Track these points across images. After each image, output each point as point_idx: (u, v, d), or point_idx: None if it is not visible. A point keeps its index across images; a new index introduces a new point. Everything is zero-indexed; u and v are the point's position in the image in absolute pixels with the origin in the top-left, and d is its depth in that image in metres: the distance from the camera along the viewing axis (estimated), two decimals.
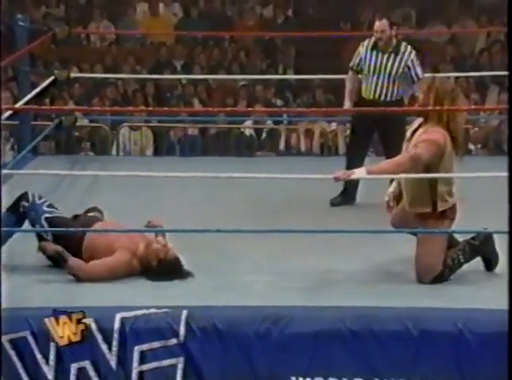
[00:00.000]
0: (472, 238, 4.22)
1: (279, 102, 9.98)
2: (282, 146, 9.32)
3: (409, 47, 5.62)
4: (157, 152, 9.33)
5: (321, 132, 9.38)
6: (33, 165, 6.31)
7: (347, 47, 11.28)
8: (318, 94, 10.01)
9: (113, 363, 3.72)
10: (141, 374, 3.73)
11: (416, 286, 4.11)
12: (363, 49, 5.64)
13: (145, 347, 3.71)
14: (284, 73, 10.68)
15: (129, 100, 9.99)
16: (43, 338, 3.69)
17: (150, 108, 9.74)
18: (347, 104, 5.67)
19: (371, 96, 5.56)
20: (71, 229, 4.36)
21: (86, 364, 3.72)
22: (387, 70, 5.55)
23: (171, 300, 3.86)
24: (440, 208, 4.07)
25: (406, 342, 3.68)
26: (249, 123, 9.39)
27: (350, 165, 5.18)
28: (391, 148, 5.17)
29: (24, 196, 4.51)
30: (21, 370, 3.72)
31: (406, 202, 4.19)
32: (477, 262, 4.29)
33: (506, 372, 3.63)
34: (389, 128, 5.42)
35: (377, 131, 5.61)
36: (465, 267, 4.26)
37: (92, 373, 3.73)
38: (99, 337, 3.71)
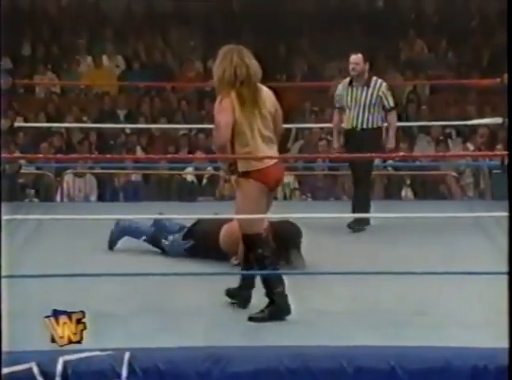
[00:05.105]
0: None
1: None
2: (221, 191, 9.30)
3: (379, 80, 6.08)
4: (101, 198, 9.25)
5: None
6: None
7: (282, 96, 11.42)
8: None
9: None
10: None
11: (349, 326, 4.09)
12: (341, 87, 6.10)
13: None
14: None
15: (74, 148, 9.92)
16: None
17: (94, 156, 9.65)
18: (335, 145, 6.18)
19: (350, 126, 6.00)
20: None
21: None
22: (362, 102, 5.99)
23: (115, 342, 3.78)
24: (242, 169, 4.14)
25: (341, 379, 3.66)
26: (190, 169, 9.37)
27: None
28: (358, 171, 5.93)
29: None
30: None
31: None
32: (408, 304, 4.31)
33: None
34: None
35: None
36: (396, 306, 4.27)
37: None
38: None
